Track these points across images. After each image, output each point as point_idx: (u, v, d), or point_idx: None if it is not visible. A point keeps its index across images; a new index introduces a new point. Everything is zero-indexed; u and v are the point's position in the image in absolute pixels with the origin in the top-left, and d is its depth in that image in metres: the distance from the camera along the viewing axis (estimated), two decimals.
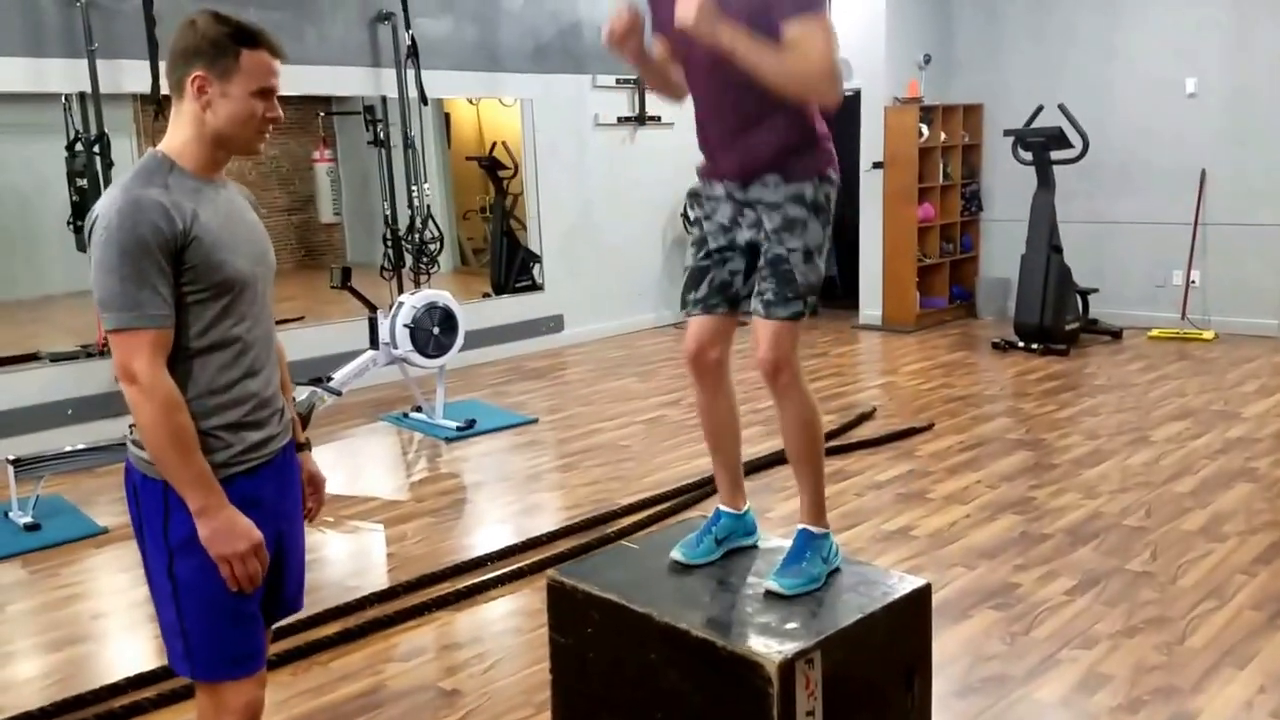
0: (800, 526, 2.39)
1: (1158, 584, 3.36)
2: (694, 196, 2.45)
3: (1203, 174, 7.13)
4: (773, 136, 2.27)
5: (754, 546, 2.50)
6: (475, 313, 6.60)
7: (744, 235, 2.36)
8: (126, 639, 3.33)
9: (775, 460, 4.73)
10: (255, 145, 1.82)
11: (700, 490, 4.32)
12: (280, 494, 1.91)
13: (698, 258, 2.42)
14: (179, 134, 1.77)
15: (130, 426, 1.78)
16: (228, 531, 1.72)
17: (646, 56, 2.36)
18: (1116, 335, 7.17)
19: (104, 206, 1.68)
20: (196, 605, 1.77)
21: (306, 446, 2.11)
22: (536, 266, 7.65)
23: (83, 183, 5.52)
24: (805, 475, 2.45)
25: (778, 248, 2.29)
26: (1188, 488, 4.25)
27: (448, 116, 9.62)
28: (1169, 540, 3.71)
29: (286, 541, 1.95)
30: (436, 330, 5.31)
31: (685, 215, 8.12)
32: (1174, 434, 4.99)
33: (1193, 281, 7.30)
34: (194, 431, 1.71)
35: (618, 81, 7.76)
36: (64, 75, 5.25)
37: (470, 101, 8.85)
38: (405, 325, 5.20)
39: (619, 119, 7.83)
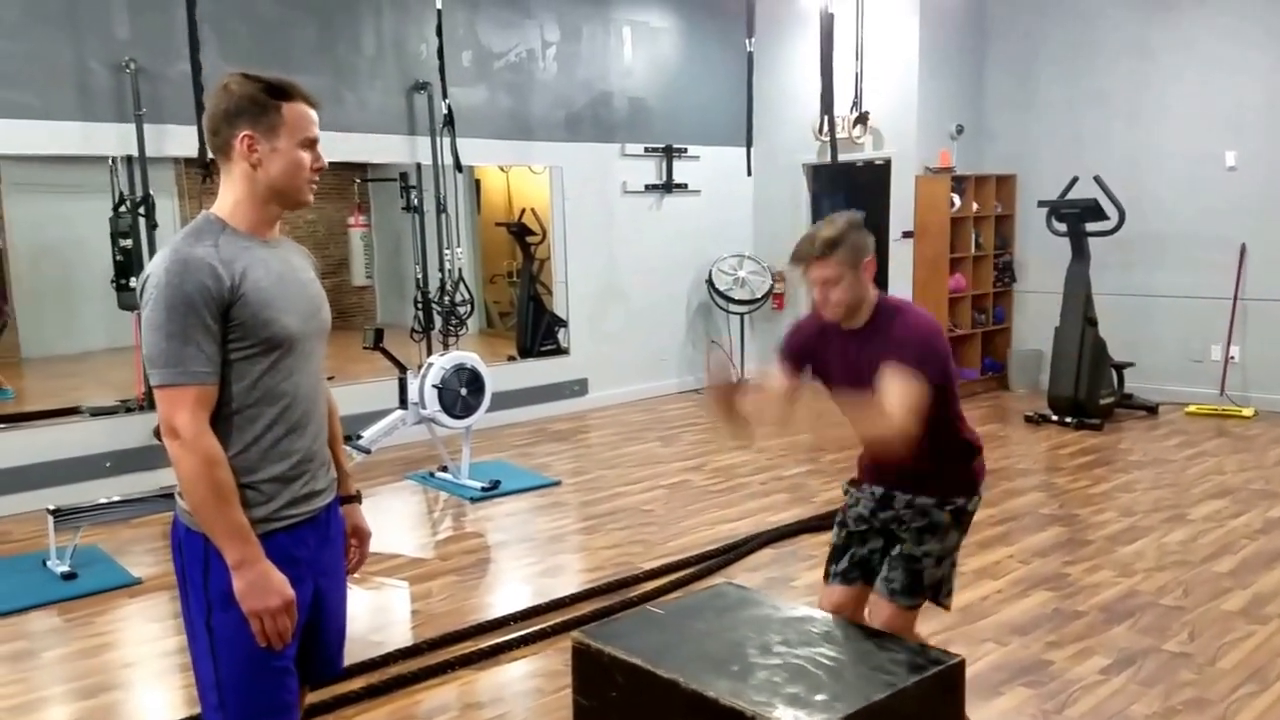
0: None
1: (1196, 665, 3.26)
2: (850, 485, 2.71)
3: (1243, 248, 7.07)
4: (935, 464, 2.50)
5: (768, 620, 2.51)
6: (501, 375, 6.63)
7: (883, 522, 2.60)
8: (156, 688, 3.33)
9: (802, 529, 4.68)
10: (306, 195, 1.85)
11: (723, 557, 4.27)
12: (320, 552, 1.90)
13: (839, 535, 2.69)
14: (230, 194, 1.80)
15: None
16: (262, 586, 1.72)
17: (734, 412, 2.60)
18: (1152, 410, 7.07)
19: (155, 265, 1.72)
20: (232, 658, 1.76)
21: (357, 499, 2.11)
22: (562, 330, 7.70)
23: (127, 242, 5.66)
24: None
25: (915, 548, 2.54)
26: (1227, 567, 4.14)
27: (478, 183, 9.81)
28: (1207, 620, 3.61)
29: (326, 601, 1.92)
30: (464, 391, 5.34)
31: (710, 282, 8.17)
32: (1212, 512, 4.89)
33: (1232, 357, 7.20)
34: (234, 486, 1.72)
35: (646, 150, 7.89)
36: (112, 139, 5.42)
37: (500, 169, 9.02)
38: (434, 386, 5.23)
39: (646, 186, 7.94)
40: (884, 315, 2.49)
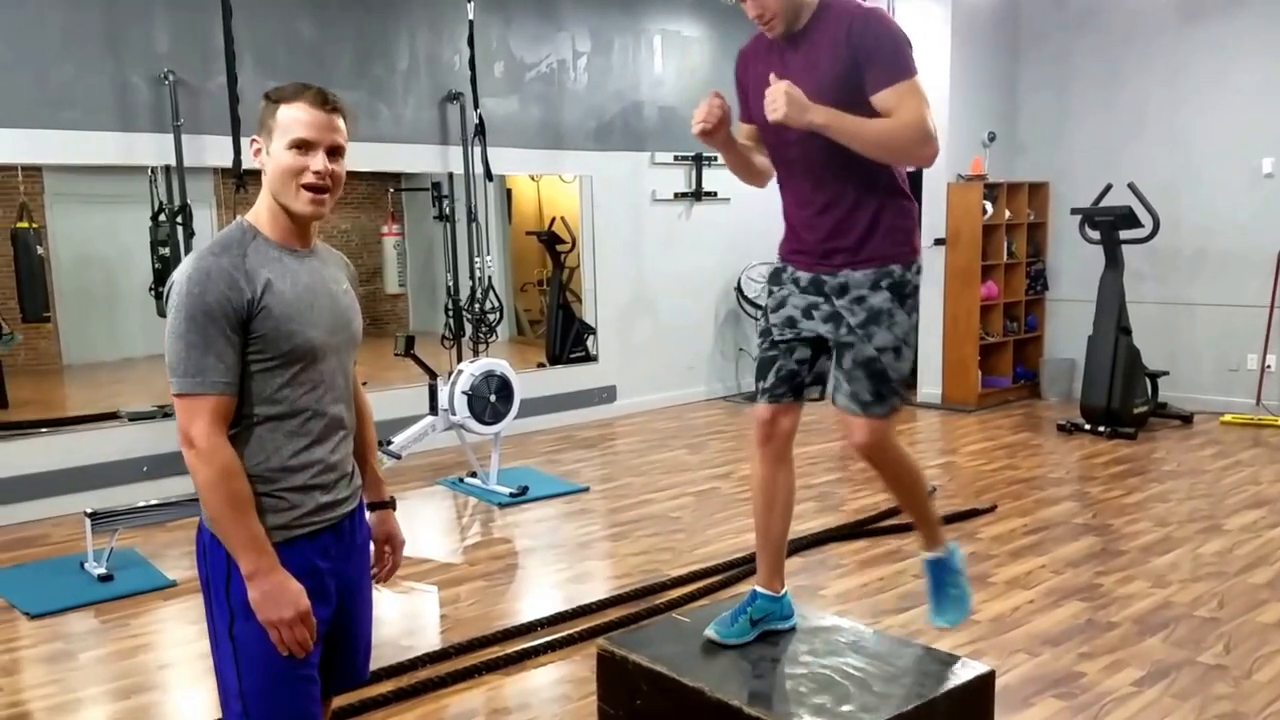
0: (925, 559, 2.56)
1: (1232, 678, 3.21)
2: (774, 276, 2.46)
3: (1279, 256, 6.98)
4: (863, 214, 2.28)
5: (791, 630, 2.46)
6: (530, 382, 6.66)
7: (814, 328, 2.36)
8: (192, 690, 3.37)
9: (830, 537, 4.66)
10: (296, 203, 1.76)
11: (750, 565, 4.26)
12: (344, 561, 1.89)
13: (764, 349, 2.46)
14: (260, 202, 1.81)
15: None
16: (276, 597, 1.72)
17: (732, 143, 2.41)
18: (1187, 420, 6.97)
19: (179, 274, 1.72)
20: (255, 668, 1.76)
21: (390, 505, 2.10)
22: (591, 338, 7.73)
23: (165, 251, 5.77)
24: (914, 513, 2.59)
25: (866, 348, 2.29)
26: (1263, 579, 4.08)
27: (509, 192, 9.88)
28: (1244, 633, 3.56)
29: (351, 609, 1.92)
30: (493, 398, 5.37)
31: (739, 290, 8.16)
32: (1248, 523, 4.81)
33: (1268, 367, 7.09)
34: (249, 496, 1.72)
35: (675, 158, 7.90)
36: (151, 149, 5.52)
37: (531, 178, 9.08)
38: (464, 392, 5.27)
39: (676, 194, 7.95)
40: (824, 14, 2.22)
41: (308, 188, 1.75)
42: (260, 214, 1.80)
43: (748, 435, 6.93)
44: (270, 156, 1.76)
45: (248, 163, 5.62)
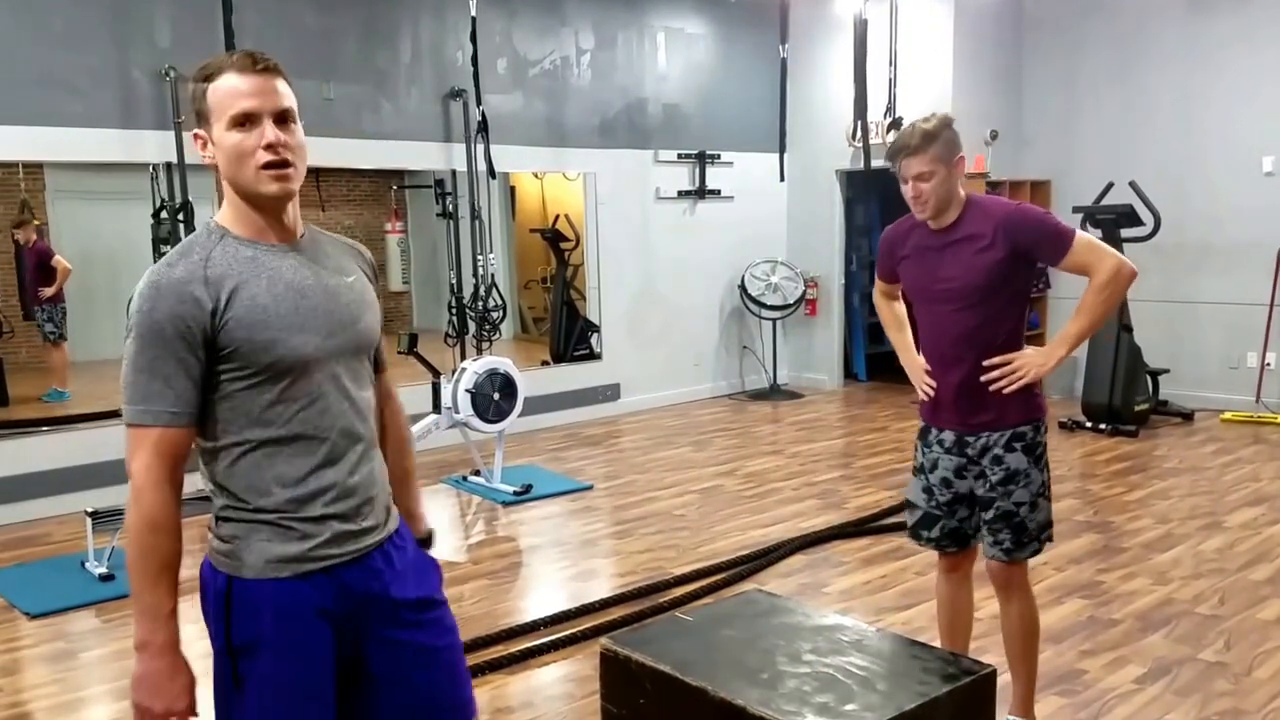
0: (1012, 718, 2.74)
1: (1233, 675, 3.22)
2: (923, 434, 2.74)
3: (1279, 254, 6.98)
4: (997, 395, 2.55)
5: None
6: (534, 380, 6.67)
7: (967, 486, 2.66)
8: None
9: (833, 535, 4.67)
10: (261, 185, 1.53)
11: (754, 563, 4.27)
12: (372, 605, 1.62)
13: (928, 504, 2.74)
14: (225, 200, 1.60)
15: (214, 517, 1.61)
16: (156, 683, 1.52)
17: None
18: (1188, 417, 6.98)
19: (137, 287, 1.52)
20: (255, 712, 1.58)
21: (427, 543, 1.86)
22: (595, 336, 7.73)
23: (167, 248, 5.76)
24: (1022, 671, 2.77)
25: (1006, 504, 2.59)
26: (1264, 575, 4.08)
27: (513, 190, 9.87)
28: (1244, 629, 3.56)
29: (381, 668, 1.63)
30: (497, 396, 5.38)
31: (743, 287, 8.16)
32: (1249, 520, 4.82)
33: (1268, 364, 7.09)
34: (169, 556, 1.51)
35: (679, 156, 7.91)
36: (153, 146, 5.53)
37: (535, 175, 9.07)
38: (467, 390, 5.28)
39: (680, 192, 7.95)
40: (975, 211, 2.54)
41: (265, 167, 1.51)
42: (226, 212, 1.59)
43: (752, 433, 6.95)
44: (216, 145, 1.53)
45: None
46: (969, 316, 2.54)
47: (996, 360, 2.53)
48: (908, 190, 2.52)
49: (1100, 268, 2.48)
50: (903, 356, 2.83)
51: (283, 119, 1.53)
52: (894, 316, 2.92)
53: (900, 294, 2.86)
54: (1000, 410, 2.56)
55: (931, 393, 2.65)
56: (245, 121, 1.50)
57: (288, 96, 1.55)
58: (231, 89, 1.50)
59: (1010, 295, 2.55)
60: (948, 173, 2.48)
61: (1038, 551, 2.65)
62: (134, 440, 1.50)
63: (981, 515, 2.65)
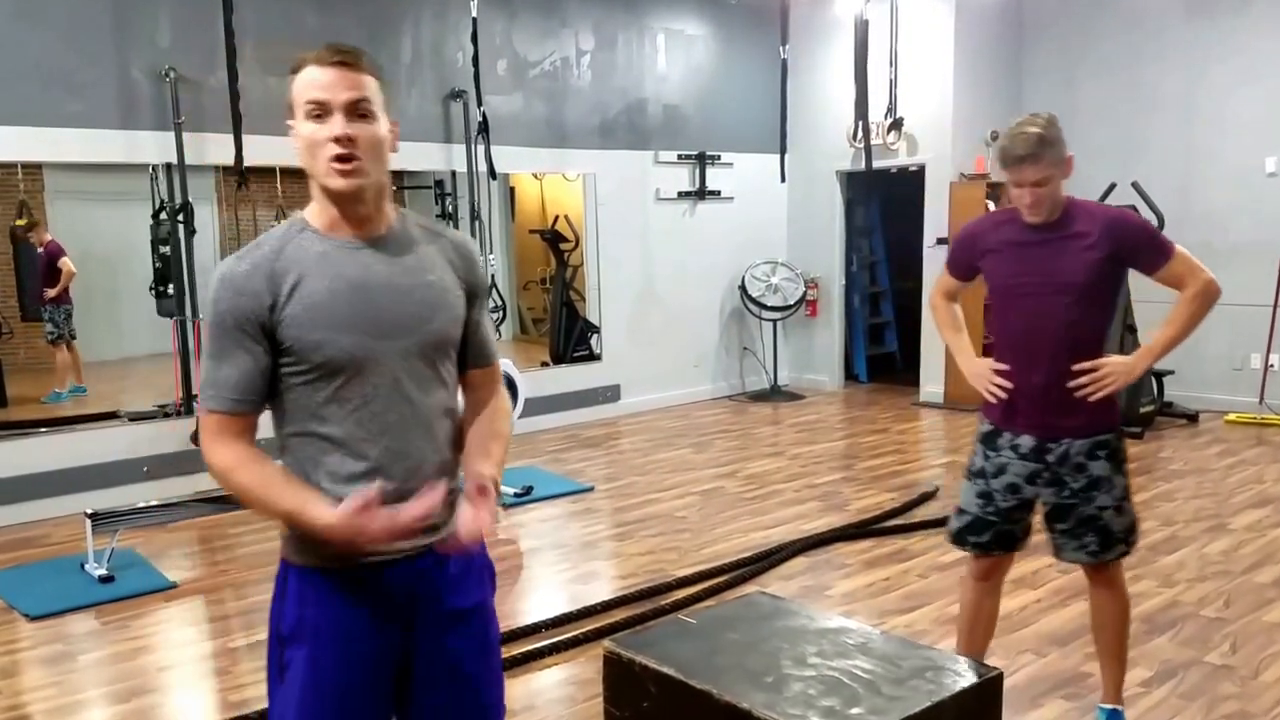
0: (1103, 707, 2.79)
1: (1239, 678, 3.20)
2: (989, 439, 2.68)
3: None
4: (1083, 401, 2.53)
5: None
6: (534, 381, 6.65)
7: (1036, 492, 2.62)
8: (192, 692, 3.36)
9: (837, 537, 4.64)
10: (328, 179, 1.52)
11: (756, 565, 4.24)
12: (419, 605, 1.63)
13: (983, 509, 2.70)
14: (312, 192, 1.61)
15: None
16: (329, 533, 1.49)
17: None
18: (1192, 419, 6.96)
19: (212, 276, 1.58)
20: (297, 701, 1.60)
21: (481, 491, 1.72)
22: (595, 337, 7.71)
23: (165, 249, 5.74)
24: (1113, 663, 2.80)
25: (1088, 508, 2.58)
26: (1269, 578, 4.06)
27: (512, 190, 9.85)
28: (1250, 632, 3.54)
29: (429, 669, 1.65)
30: None
31: (743, 288, 8.14)
32: (1253, 521, 4.80)
33: (1271, 365, 7.07)
34: (261, 477, 1.53)
35: (679, 157, 7.89)
36: (153, 146, 5.51)
37: (534, 176, 9.05)
38: None
39: (679, 193, 7.93)
40: (1077, 210, 2.54)
41: (333, 160, 1.50)
42: (311, 204, 1.61)
43: (753, 435, 6.93)
44: (297, 136, 1.54)
45: (249, 159, 5.60)
46: (1065, 314, 2.51)
47: (1086, 365, 2.50)
48: (1023, 195, 2.48)
49: (1193, 281, 2.53)
50: (961, 358, 2.78)
51: (355, 111, 1.52)
52: (953, 316, 2.86)
53: (959, 294, 2.85)
54: (1087, 415, 2.54)
55: (1003, 395, 2.60)
56: (319, 113, 1.51)
57: (365, 88, 1.54)
58: (308, 80, 1.52)
59: (1104, 298, 2.55)
60: (1060, 174, 2.48)
61: (1125, 553, 2.64)
62: (203, 424, 1.56)
63: (1055, 524, 2.63)
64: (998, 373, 2.61)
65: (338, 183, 1.52)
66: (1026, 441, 2.59)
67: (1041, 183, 2.45)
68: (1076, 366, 2.51)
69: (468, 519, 1.56)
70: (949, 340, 2.87)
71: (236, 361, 1.53)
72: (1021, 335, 2.59)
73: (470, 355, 1.73)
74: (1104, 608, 2.73)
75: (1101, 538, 2.58)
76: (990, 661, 2.41)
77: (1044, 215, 2.51)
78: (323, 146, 1.50)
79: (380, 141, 1.56)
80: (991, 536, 2.69)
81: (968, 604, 2.85)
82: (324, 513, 1.48)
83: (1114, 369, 2.51)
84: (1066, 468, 2.56)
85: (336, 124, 1.50)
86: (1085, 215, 2.54)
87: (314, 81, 1.51)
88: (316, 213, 1.59)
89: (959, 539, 2.75)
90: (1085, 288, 2.50)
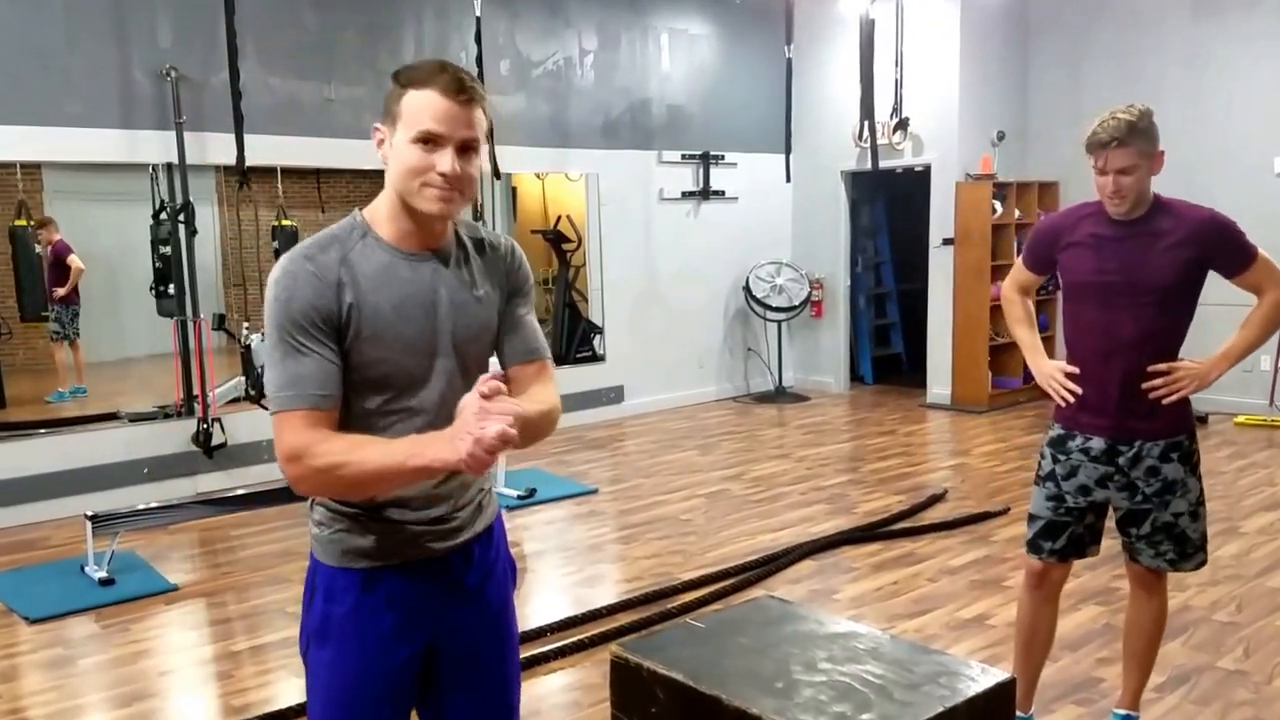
0: (1120, 713, 2.75)
1: (1252, 683, 3.15)
2: (1059, 442, 2.62)
3: None
4: (1156, 403, 2.49)
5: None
6: None
7: (1107, 495, 2.57)
8: (193, 697, 3.33)
9: (844, 540, 4.60)
10: (422, 203, 1.51)
11: (763, 568, 4.20)
12: (449, 601, 1.66)
13: (1055, 512, 2.63)
14: (381, 196, 1.58)
15: (310, 501, 1.64)
16: (439, 457, 1.41)
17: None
18: (1202, 421, 6.91)
19: (270, 276, 1.53)
20: (320, 698, 1.64)
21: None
22: (597, 338, 7.68)
23: (166, 249, 5.71)
24: (1138, 669, 2.76)
25: (1164, 515, 2.53)
26: None
27: (514, 190, 9.83)
28: (1263, 637, 3.50)
29: (453, 666, 1.68)
30: None
31: (747, 288, 8.11)
32: (1265, 525, 4.75)
33: None
34: (385, 447, 1.47)
35: (683, 157, 7.86)
36: (154, 146, 5.48)
37: (537, 176, 9.03)
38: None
39: (683, 193, 7.90)
40: (1167, 208, 2.49)
41: (435, 188, 1.51)
42: (379, 209, 1.57)
43: (758, 437, 6.89)
44: (394, 148, 1.52)
45: (251, 159, 5.57)
46: (1148, 313, 2.45)
47: (1162, 367, 2.46)
48: (1106, 183, 2.41)
49: (1272, 287, 2.49)
50: (1031, 356, 2.71)
51: (465, 149, 1.52)
52: (1026, 312, 2.79)
53: (1033, 289, 2.80)
54: (1162, 417, 2.49)
55: (1071, 398, 2.54)
56: (429, 141, 1.50)
57: (478, 127, 1.54)
58: (427, 107, 1.49)
59: (1186, 299, 2.50)
60: (1149, 167, 2.41)
61: (1204, 563, 2.59)
62: (285, 427, 1.47)
63: (1129, 528, 2.58)
64: (1068, 375, 2.55)
65: (434, 208, 1.52)
66: (1098, 444, 2.53)
67: (1126, 171, 2.37)
68: (1152, 368, 2.46)
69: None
70: (1019, 336, 2.79)
71: (314, 357, 1.48)
72: (1099, 334, 2.51)
73: (510, 350, 1.69)
74: (1143, 611, 2.68)
75: (1178, 546, 2.54)
76: (1001, 667, 2.36)
77: (1128, 208, 2.44)
78: (423, 174, 1.50)
79: (478, 178, 1.58)
80: (1066, 541, 2.62)
81: (1025, 615, 2.75)
82: (444, 441, 1.41)
83: (1189, 373, 2.47)
84: (1139, 470, 2.50)
85: (446, 159, 1.49)
86: (1174, 213, 2.47)
87: (433, 111, 1.49)
88: (384, 216, 1.56)
89: (1033, 546, 2.68)
90: (1170, 289, 2.44)
